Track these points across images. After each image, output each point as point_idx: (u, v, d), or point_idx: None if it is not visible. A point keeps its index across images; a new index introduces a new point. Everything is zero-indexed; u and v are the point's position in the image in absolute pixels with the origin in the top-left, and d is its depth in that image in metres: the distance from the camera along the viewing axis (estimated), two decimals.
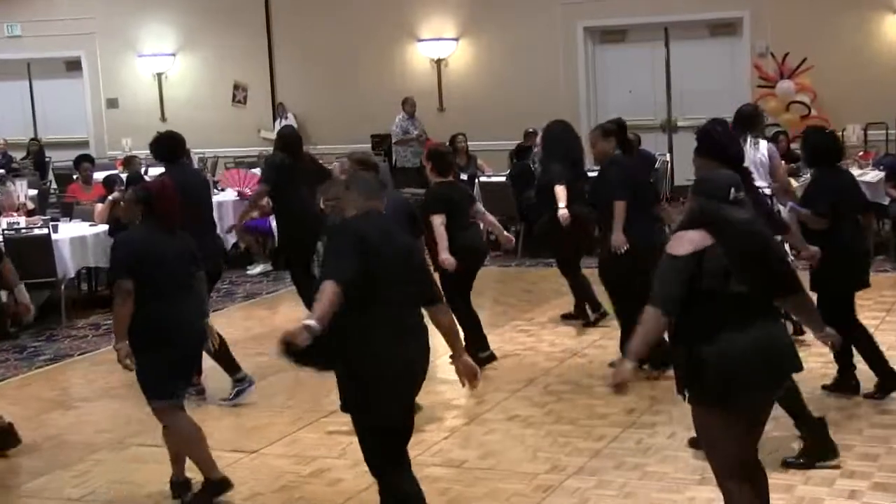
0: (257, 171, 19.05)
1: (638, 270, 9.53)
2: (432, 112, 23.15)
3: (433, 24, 23.53)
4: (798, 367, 6.11)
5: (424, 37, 23.64)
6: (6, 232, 13.64)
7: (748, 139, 10.79)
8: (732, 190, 6.02)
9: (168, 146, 10.72)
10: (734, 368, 5.84)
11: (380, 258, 6.31)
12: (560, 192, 12.11)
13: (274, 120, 24.19)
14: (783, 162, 11.49)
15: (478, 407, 9.84)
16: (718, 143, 8.08)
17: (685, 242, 5.92)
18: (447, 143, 18.74)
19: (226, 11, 24.93)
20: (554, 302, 13.50)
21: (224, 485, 7.80)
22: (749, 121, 11.18)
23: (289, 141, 12.58)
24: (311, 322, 6.01)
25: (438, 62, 23.62)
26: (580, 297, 12.65)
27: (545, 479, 8.05)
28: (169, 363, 7.64)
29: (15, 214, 15.18)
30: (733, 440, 5.98)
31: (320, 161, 13.85)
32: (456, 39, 23.47)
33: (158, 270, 7.63)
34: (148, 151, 11.21)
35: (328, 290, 6.13)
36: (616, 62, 22.74)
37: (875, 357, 9.49)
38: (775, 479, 6.93)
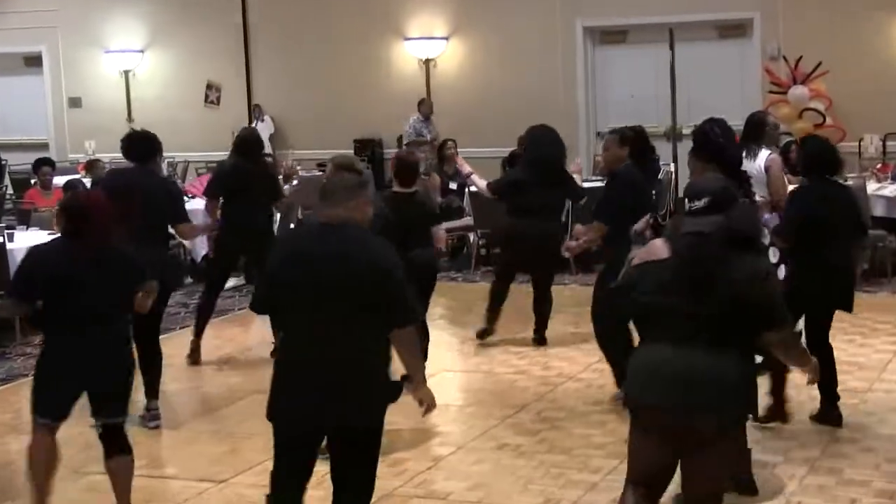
0: None
1: None
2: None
3: (422, 21, 23.58)
4: (713, 407, 6.04)
5: (412, 35, 23.69)
6: None
7: (752, 148, 10.83)
8: (688, 200, 6.18)
9: (141, 147, 10.69)
10: (631, 381, 6.31)
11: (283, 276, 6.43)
12: (478, 182, 13.07)
13: (249, 122, 24.14)
14: (786, 174, 11.37)
15: (465, 434, 9.81)
16: (713, 144, 8.13)
17: (642, 252, 6.27)
18: (435, 151, 18.83)
19: (199, 5, 24.98)
20: (549, 321, 13.46)
21: None
22: (753, 129, 11.18)
23: (246, 143, 12.69)
24: None
25: (427, 62, 23.66)
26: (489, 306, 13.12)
27: None
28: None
29: None
30: (633, 448, 6.37)
31: (282, 166, 13.97)
32: (446, 38, 23.51)
33: (70, 297, 7.52)
34: (113, 155, 11.21)
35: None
36: (617, 64, 22.83)
37: (831, 382, 9.60)
38: None
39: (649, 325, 6.22)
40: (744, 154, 10.67)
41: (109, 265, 7.61)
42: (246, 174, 12.42)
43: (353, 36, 23.82)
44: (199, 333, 12.63)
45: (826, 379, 9.33)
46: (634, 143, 11.00)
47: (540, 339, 12.94)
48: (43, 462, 7.82)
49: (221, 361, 12.54)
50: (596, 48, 22.92)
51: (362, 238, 6.38)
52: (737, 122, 12.04)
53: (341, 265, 6.24)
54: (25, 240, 14.42)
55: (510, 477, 8.77)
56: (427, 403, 6.55)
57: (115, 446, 7.85)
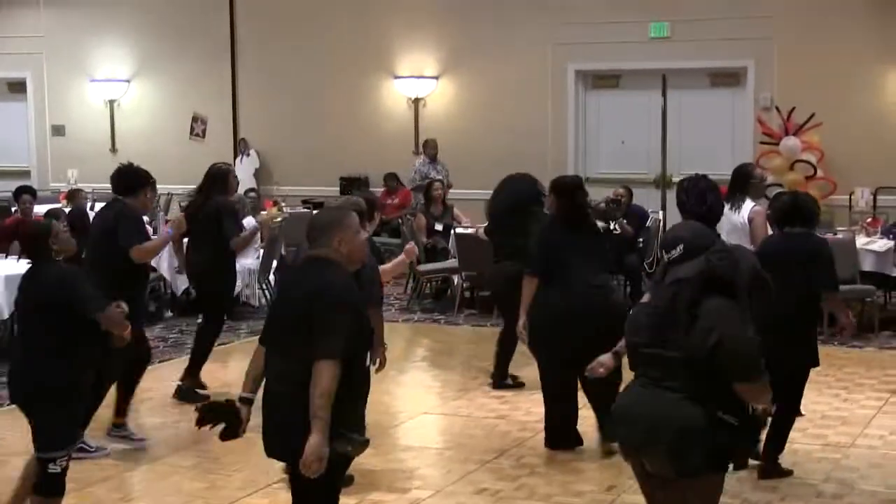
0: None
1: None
2: (407, 155, 23.23)
3: (412, 60, 23.64)
4: (669, 450, 6.15)
5: (402, 73, 23.74)
6: None
7: (737, 200, 11.13)
8: (665, 251, 6.40)
9: (124, 180, 10.81)
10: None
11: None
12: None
13: (235, 157, 24.23)
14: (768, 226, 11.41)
15: (444, 478, 9.85)
16: (679, 198, 8.40)
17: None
18: (423, 192, 18.88)
19: (187, 37, 25.01)
20: (533, 365, 13.49)
21: None
22: (738, 180, 11.43)
23: (206, 178, 12.85)
24: None
25: (416, 101, 23.71)
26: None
27: None
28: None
29: None
30: None
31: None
32: (436, 78, 23.57)
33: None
34: (95, 185, 11.28)
35: None
36: (609, 109, 22.84)
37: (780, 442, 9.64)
38: None
39: (633, 365, 6.50)
40: (728, 206, 10.88)
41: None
42: (194, 212, 12.53)
43: (342, 71, 23.88)
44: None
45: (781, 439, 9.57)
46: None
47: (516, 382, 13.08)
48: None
49: (201, 397, 12.54)
50: (588, 92, 22.96)
51: (320, 272, 6.50)
52: (726, 172, 12.19)
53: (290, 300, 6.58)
54: (4, 268, 14.40)
55: None
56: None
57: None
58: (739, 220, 11.04)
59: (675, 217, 20.27)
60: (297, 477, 6.42)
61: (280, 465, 9.15)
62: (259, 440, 8.51)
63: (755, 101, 21.52)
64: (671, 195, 21.55)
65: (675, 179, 21.76)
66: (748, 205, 11.17)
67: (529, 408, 12.13)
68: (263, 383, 6.62)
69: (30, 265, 8.16)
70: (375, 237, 20.61)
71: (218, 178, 12.70)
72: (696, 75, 22.08)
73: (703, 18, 21.49)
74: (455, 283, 17.99)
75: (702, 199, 9.34)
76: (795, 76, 20.95)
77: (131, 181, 10.81)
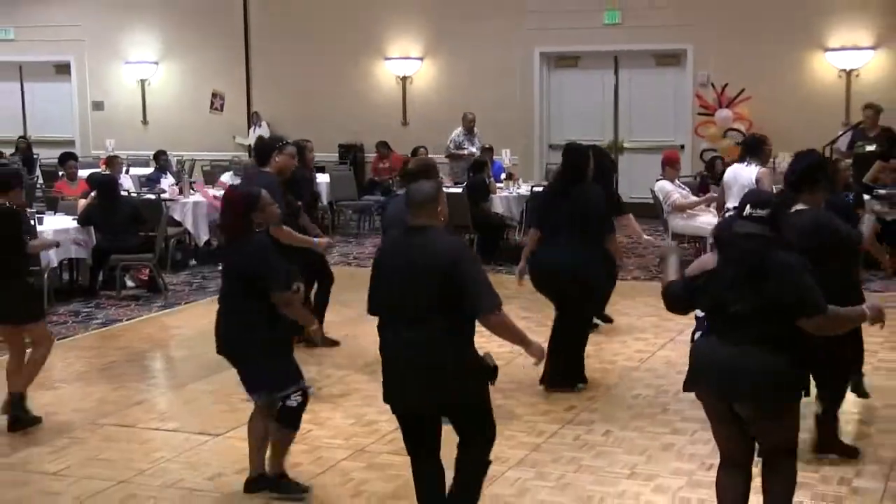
0: (226, 176, 18.95)
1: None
2: (396, 125, 23.24)
3: (400, 43, 23.56)
4: (744, 396, 6.04)
5: (392, 55, 23.66)
6: None
7: (750, 161, 12.25)
8: (750, 206, 6.15)
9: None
10: (690, 366, 6.32)
11: None
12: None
13: (248, 127, 24.18)
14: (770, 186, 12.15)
15: None
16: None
17: (695, 266, 6.34)
18: (409, 154, 18.77)
19: (207, 25, 24.92)
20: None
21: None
22: (754, 146, 12.43)
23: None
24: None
25: (404, 79, 23.65)
26: None
27: (489, 470, 8.10)
28: None
29: None
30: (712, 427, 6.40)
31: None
32: (421, 59, 23.50)
33: None
34: (129, 151, 11.09)
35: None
36: (569, 85, 22.81)
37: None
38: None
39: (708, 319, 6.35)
40: (745, 164, 12.17)
41: None
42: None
43: (340, 54, 23.80)
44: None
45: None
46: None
47: None
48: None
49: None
50: (551, 71, 22.90)
51: (440, 238, 6.39)
52: (670, 139, 12.27)
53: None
54: (53, 224, 14.48)
55: None
56: None
57: None
58: (748, 179, 12.03)
59: (626, 178, 20.43)
60: (468, 409, 6.49)
61: None
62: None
63: (694, 78, 21.54)
64: (623, 159, 21.79)
65: (626, 145, 22.01)
66: (754, 167, 12.19)
67: (502, 342, 12.05)
68: (388, 351, 6.42)
69: (232, 235, 7.62)
70: (369, 196, 20.71)
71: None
72: (644, 56, 22.05)
73: (649, 7, 21.49)
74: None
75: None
76: (728, 57, 20.97)
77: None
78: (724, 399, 6.14)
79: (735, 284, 5.98)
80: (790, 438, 6.28)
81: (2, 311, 9.17)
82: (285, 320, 7.47)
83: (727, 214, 11.61)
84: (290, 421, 7.49)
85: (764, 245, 6.00)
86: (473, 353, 6.46)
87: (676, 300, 6.43)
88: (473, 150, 19.97)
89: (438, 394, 6.33)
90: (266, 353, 7.41)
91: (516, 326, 6.55)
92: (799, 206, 7.79)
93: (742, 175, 12.29)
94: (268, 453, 7.58)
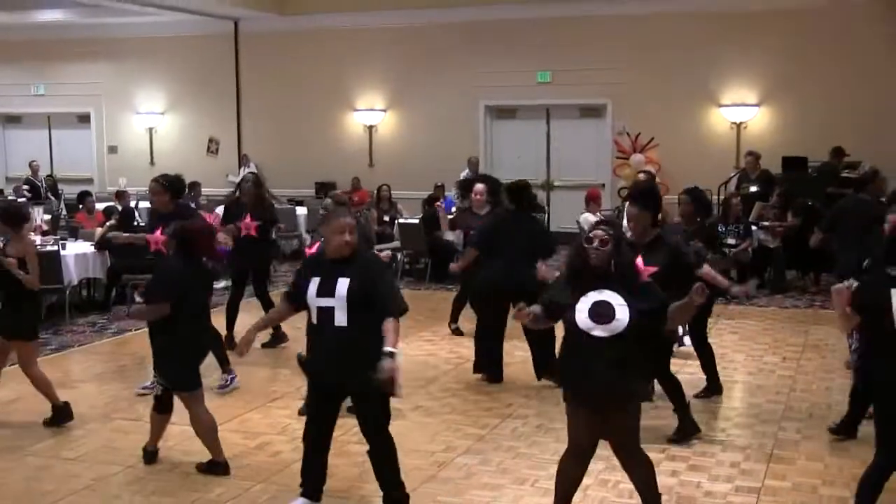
0: (220, 209, 18.78)
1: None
2: (363, 167, 23.13)
3: (367, 97, 23.52)
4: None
5: (360, 107, 23.60)
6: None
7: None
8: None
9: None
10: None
11: None
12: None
13: (239, 167, 24.01)
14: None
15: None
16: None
17: None
18: (375, 192, 18.70)
19: (205, 82, 24.82)
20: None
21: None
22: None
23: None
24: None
25: (370, 127, 23.59)
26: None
27: (440, 457, 8.06)
28: None
29: (33, 234, 14.98)
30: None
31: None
32: (385, 110, 23.46)
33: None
34: (138, 188, 10.97)
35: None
36: (508, 133, 22.83)
37: (711, 367, 9.69)
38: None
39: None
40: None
41: None
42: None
43: (317, 106, 23.73)
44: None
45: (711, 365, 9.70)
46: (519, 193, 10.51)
47: (455, 330, 12.83)
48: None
49: None
50: (493, 121, 22.93)
51: None
52: (592, 179, 12.20)
53: None
54: (74, 248, 14.40)
55: (421, 430, 8.79)
56: None
57: None
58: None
59: (556, 212, 20.45)
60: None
61: (272, 388, 9.06)
62: (256, 371, 8.47)
63: (612, 128, 21.61)
64: (554, 195, 21.78)
65: (557, 184, 22.03)
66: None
67: (451, 348, 12.09)
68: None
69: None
70: None
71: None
72: (571, 109, 22.11)
73: (575, 69, 21.53)
74: (398, 258, 17.88)
75: None
76: (641, 110, 21.08)
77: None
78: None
79: None
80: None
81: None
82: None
83: None
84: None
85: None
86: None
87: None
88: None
89: None
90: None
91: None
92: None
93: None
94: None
